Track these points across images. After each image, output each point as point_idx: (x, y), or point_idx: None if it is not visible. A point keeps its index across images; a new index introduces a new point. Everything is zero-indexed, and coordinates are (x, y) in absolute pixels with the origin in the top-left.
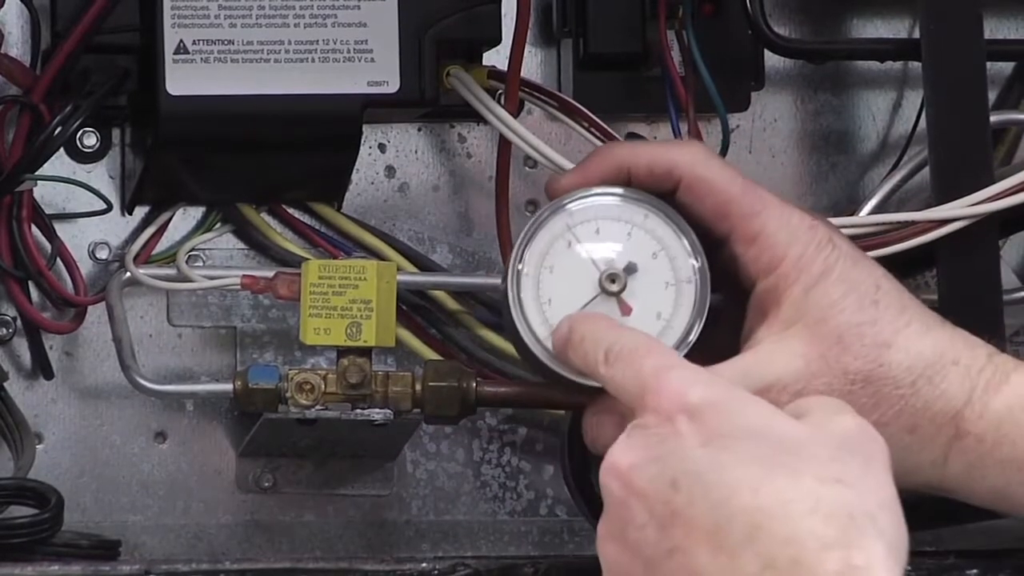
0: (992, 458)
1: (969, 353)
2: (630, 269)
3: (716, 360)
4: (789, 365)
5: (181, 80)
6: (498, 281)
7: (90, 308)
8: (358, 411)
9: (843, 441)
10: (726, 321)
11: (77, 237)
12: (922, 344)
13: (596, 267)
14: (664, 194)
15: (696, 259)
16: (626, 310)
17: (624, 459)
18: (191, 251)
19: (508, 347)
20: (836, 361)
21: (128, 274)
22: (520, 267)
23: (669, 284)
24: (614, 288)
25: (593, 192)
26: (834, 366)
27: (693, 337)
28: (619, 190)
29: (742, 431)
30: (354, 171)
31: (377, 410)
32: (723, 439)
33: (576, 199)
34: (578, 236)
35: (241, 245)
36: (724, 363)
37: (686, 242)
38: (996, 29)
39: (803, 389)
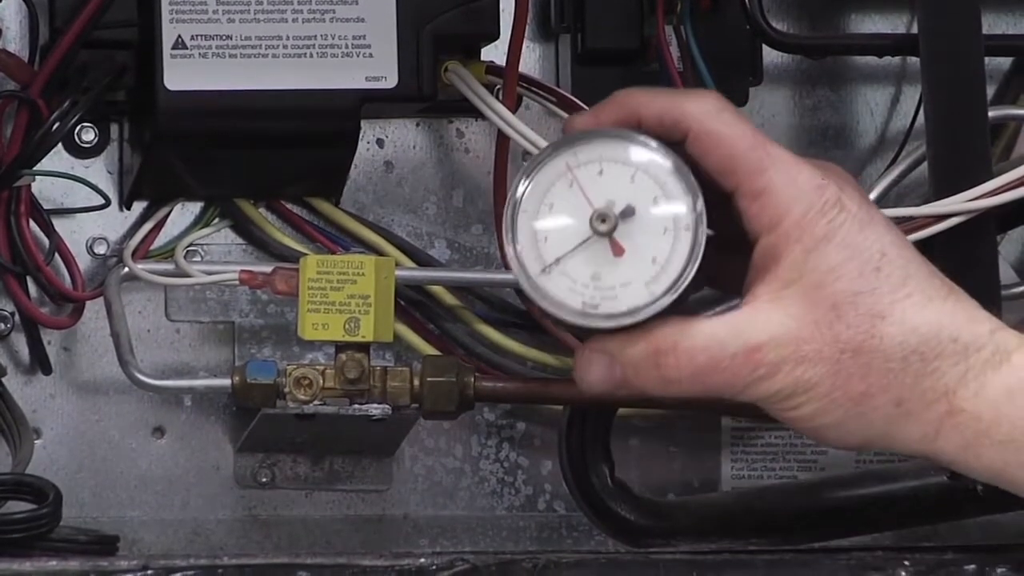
0: (989, 438)
1: (969, 329)
2: (627, 212)
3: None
4: (781, 326)
5: (179, 75)
6: (498, 277)
7: (88, 303)
8: (356, 406)
9: None
10: (731, 271)
11: (75, 232)
12: (919, 318)
13: (591, 207)
14: (674, 143)
15: (696, 207)
16: (619, 251)
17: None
18: (189, 246)
19: (506, 342)
20: (828, 328)
21: (126, 269)
22: (519, 201)
23: (667, 230)
24: (603, 228)
25: (601, 133)
26: (826, 333)
27: (684, 283)
28: (628, 133)
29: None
30: (352, 166)
31: (375, 405)
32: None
33: (582, 139)
34: (579, 177)
35: (239, 240)
36: (719, 318)
37: (688, 189)
38: (994, 24)
39: (792, 353)
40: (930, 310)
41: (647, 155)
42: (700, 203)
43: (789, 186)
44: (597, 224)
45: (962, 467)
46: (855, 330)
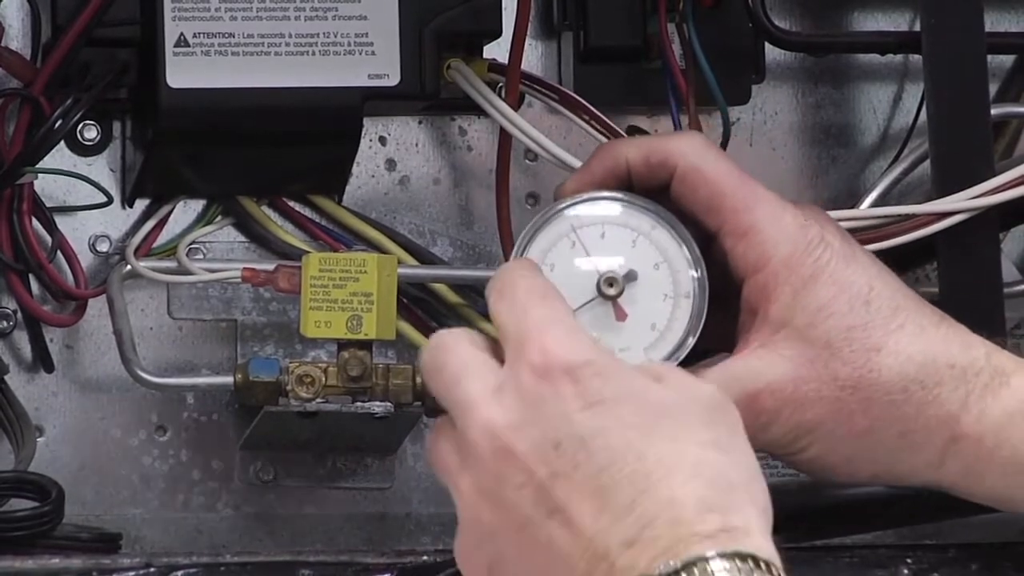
0: (992, 462)
1: (965, 355)
2: (630, 277)
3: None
4: (778, 370)
5: (181, 73)
6: None
7: (91, 301)
8: (359, 404)
9: (709, 408)
10: (710, 325)
11: (78, 230)
12: (914, 348)
13: (596, 270)
14: (661, 186)
15: (697, 272)
16: (621, 316)
17: (499, 418)
18: (192, 244)
19: None
20: (825, 367)
21: (129, 267)
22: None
23: (667, 296)
24: (611, 292)
25: (602, 196)
26: (823, 372)
27: (684, 351)
28: (628, 197)
29: (620, 395)
30: (354, 164)
31: (378, 403)
32: (603, 403)
33: (583, 201)
34: (582, 238)
35: (242, 238)
36: (716, 367)
37: (689, 255)
38: (997, 22)
39: (792, 394)
40: (924, 339)
41: (649, 219)
42: (702, 271)
43: (774, 225)
44: (605, 287)
45: (965, 492)
46: (852, 366)
